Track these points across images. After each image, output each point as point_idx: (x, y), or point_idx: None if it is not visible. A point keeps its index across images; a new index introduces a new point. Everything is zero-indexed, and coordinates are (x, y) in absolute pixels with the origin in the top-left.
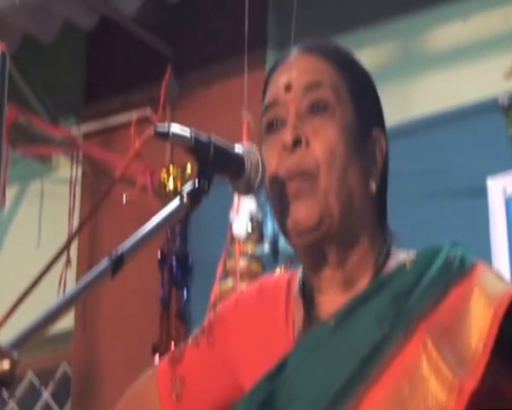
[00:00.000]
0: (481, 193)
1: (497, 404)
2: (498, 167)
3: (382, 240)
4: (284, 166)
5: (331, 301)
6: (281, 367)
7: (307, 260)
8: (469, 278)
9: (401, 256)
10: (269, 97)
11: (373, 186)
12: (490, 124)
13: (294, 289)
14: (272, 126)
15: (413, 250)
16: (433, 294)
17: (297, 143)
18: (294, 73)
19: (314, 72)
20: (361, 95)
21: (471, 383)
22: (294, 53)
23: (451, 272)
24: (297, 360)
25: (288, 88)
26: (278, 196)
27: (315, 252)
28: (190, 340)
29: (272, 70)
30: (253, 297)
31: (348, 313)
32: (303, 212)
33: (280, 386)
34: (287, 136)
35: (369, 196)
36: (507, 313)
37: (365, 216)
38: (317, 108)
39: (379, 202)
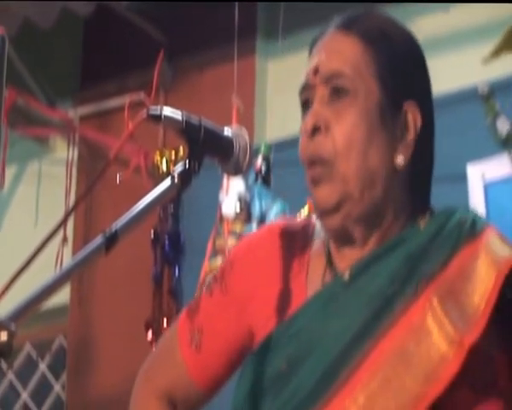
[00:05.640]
0: (461, 179)
1: (486, 371)
2: (478, 154)
3: (409, 212)
4: (305, 151)
5: (348, 257)
6: (295, 319)
7: (334, 240)
8: (478, 240)
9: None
10: (303, 79)
11: (400, 160)
12: (470, 112)
13: (313, 240)
14: (306, 105)
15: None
16: (443, 254)
17: (316, 130)
18: (323, 55)
19: (340, 56)
20: (392, 70)
21: (471, 337)
22: (330, 29)
23: (462, 233)
24: (311, 313)
25: (316, 71)
26: (306, 177)
27: (339, 234)
28: (205, 290)
29: (314, 42)
30: (265, 240)
31: (362, 268)
32: (322, 195)
33: (294, 338)
34: (307, 122)
35: (396, 171)
36: (509, 277)
37: (391, 192)
38: (339, 94)
39: (410, 175)
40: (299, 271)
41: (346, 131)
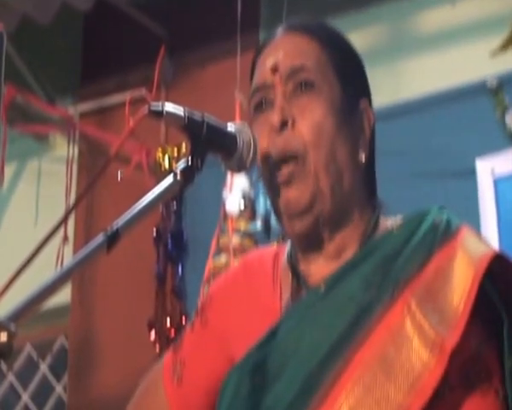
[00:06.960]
0: (470, 174)
1: (480, 372)
2: (487, 149)
3: (371, 209)
4: (273, 147)
5: (320, 269)
6: (272, 334)
7: (301, 245)
8: (454, 240)
9: (389, 223)
10: (257, 80)
11: (362, 156)
12: (478, 106)
13: (282, 261)
14: (261, 107)
15: (400, 216)
16: (418, 257)
17: (284, 124)
18: (281, 54)
19: (299, 53)
20: (346, 69)
21: (452, 339)
22: (280, 33)
23: (437, 235)
24: (288, 325)
25: (274, 70)
26: (269, 178)
27: (308, 237)
28: (188, 324)
29: (260, 51)
30: (240, 273)
31: (338, 278)
32: (294, 195)
33: (271, 352)
34: (274, 117)
35: (358, 167)
36: (487, 273)
37: (355, 189)
38: (303, 88)
39: (368, 172)
40: (274, 294)
41: (314, 123)
